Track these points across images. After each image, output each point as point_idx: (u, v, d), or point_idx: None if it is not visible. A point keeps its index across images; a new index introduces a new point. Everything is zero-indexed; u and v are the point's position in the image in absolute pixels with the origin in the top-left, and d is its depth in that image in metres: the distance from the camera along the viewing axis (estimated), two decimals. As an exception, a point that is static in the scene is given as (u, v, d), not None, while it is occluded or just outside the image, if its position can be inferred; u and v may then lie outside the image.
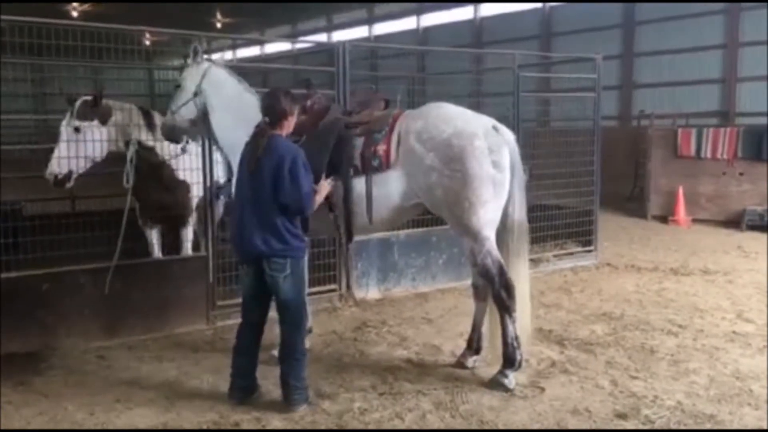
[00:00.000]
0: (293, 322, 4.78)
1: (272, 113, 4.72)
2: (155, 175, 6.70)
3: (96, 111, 6.39)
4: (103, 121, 6.44)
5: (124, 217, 6.34)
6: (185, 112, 5.75)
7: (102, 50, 6.75)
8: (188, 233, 7.17)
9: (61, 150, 6.29)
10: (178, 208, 7.00)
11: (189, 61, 5.84)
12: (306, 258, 4.99)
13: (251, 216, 4.62)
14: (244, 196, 4.69)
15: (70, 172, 6.34)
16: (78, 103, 6.35)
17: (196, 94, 5.70)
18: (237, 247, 4.82)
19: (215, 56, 34.65)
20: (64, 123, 6.36)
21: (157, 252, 7.12)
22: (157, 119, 6.60)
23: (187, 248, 7.17)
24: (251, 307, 4.88)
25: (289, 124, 4.79)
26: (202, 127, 5.96)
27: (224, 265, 6.96)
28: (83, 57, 6.79)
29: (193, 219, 7.18)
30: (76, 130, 6.31)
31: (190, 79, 5.75)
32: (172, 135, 6.00)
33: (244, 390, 4.91)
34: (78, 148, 6.30)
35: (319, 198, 4.86)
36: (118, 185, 6.58)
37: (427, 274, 8.14)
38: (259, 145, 4.62)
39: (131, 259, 6.48)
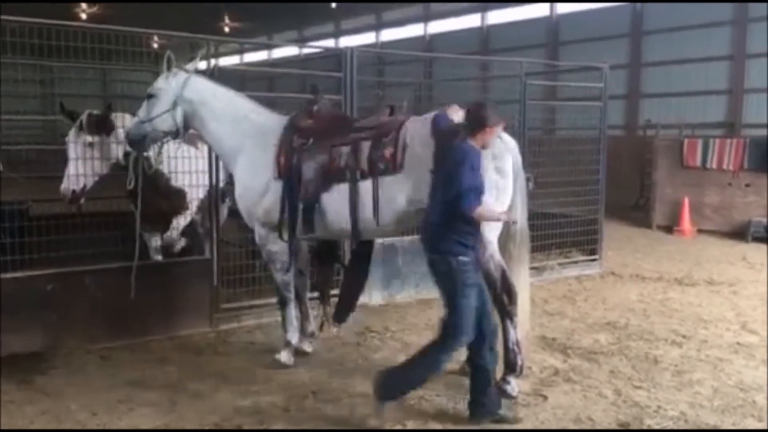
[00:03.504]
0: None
1: (473, 121, 4.61)
2: (151, 183, 6.59)
3: (103, 125, 6.41)
4: (108, 134, 6.47)
5: (137, 225, 6.40)
6: (160, 122, 5.63)
7: (110, 52, 6.78)
8: (179, 222, 7.08)
9: (76, 165, 6.30)
10: (173, 214, 6.96)
11: (164, 70, 5.68)
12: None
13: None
14: None
15: (84, 187, 6.37)
16: (84, 117, 6.35)
17: (175, 105, 5.62)
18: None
19: (222, 60, 34.79)
20: (71, 138, 6.36)
21: (158, 256, 7.10)
22: None
23: (172, 234, 7.06)
24: None
25: (483, 138, 4.61)
26: (182, 137, 5.94)
27: (229, 268, 6.98)
28: (92, 59, 6.82)
29: (191, 211, 7.15)
30: (90, 145, 6.34)
31: (167, 89, 5.63)
32: (141, 145, 5.86)
33: None
34: (91, 161, 6.33)
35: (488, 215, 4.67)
36: (122, 188, 6.60)
37: (431, 280, 8.10)
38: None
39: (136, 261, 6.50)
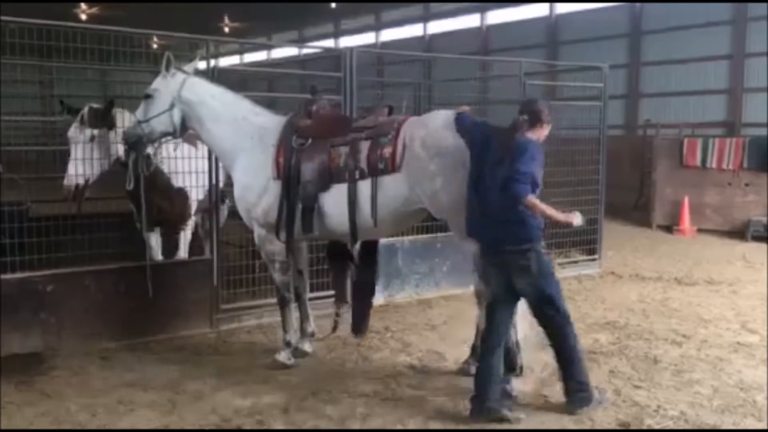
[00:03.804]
0: None
1: (532, 116, 4.71)
2: (150, 181, 6.54)
3: (106, 119, 6.41)
4: (110, 128, 6.47)
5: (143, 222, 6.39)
6: (157, 123, 5.66)
7: (110, 53, 6.78)
8: (184, 238, 7.15)
9: (78, 159, 6.27)
10: (173, 215, 6.96)
11: (162, 71, 5.69)
12: None
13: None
14: None
15: (87, 181, 6.34)
16: (86, 111, 6.35)
17: (172, 106, 5.64)
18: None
19: (222, 61, 34.78)
20: (72, 132, 6.34)
21: (157, 255, 7.11)
22: None
23: (182, 250, 7.13)
24: None
25: (540, 133, 4.77)
26: (178, 138, 5.98)
27: (229, 268, 6.98)
28: (91, 60, 6.82)
29: (190, 224, 7.17)
30: (92, 138, 6.32)
31: (165, 90, 5.64)
32: (138, 146, 5.87)
33: None
34: (93, 155, 6.32)
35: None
36: (121, 189, 6.60)
37: (431, 280, 8.14)
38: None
39: (136, 262, 6.50)
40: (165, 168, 6.70)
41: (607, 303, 7.95)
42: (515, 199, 4.45)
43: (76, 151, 6.30)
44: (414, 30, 28.94)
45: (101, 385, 5.32)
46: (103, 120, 6.39)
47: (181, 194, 6.88)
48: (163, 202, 6.78)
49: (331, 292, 7.23)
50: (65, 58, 6.45)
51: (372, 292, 5.78)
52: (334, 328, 5.96)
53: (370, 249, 5.72)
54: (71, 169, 6.28)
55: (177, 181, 6.82)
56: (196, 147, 6.83)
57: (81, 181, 6.30)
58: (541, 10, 23.64)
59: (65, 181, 6.30)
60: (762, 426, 4.71)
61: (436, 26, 27.99)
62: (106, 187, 7.44)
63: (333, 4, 27.41)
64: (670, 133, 15.51)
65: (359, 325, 5.75)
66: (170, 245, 7.22)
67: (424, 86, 10.73)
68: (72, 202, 6.56)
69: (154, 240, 7.09)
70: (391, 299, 7.79)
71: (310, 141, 5.39)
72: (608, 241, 10.31)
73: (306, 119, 5.56)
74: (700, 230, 13.00)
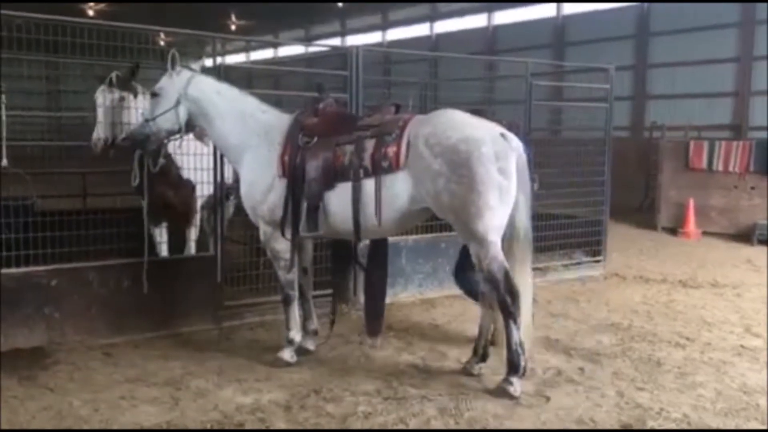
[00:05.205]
0: None
1: None
2: (161, 172, 6.63)
3: (131, 85, 6.58)
4: (135, 96, 6.62)
5: (145, 217, 6.46)
6: (162, 121, 5.67)
7: (117, 49, 6.82)
8: (192, 233, 7.20)
9: (106, 117, 6.47)
10: (182, 207, 7.03)
11: (168, 69, 5.73)
12: None
13: None
14: None
15: (114, 139, 6.50)
16: (114, 76, 6.51)
17: (178, 103, 5.65)
18: None
19: (229, 58, 34.78)
20: (100, 93, 6.51)
21: (163, 250, 7.14)
22: None
23: (191, 248, 7.20)
24: None
25: None
26: (182, 135, 5.97)
27: (233, 265, 6.99)
28: (98, 56, 6.86)
29: (197, 219, 7.21)
30: (122, 99, 6.50)
31: (170, 88, 5.66)
32: (146, 144, 5.85)
33: None
34: (121, 116, 6.50)
35: None
36: (127, 183, 6.62)
37: (435, 280, 8.13)
38: None
39: (140, 258, 6.51)
40: (179, 163, 6.79)
41: (611, 305, 7.93)
42: None
43: (104, 111, 6.49)
44: (421, 29, 29.00)
45: (104, 380, 5.33)
46: (128, 83, 6.58)
47: (188, 185, 6.93)
48: (168, 191, 6.83)
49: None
50: (72, 53, 6.48)
51: (383, 292, 5.79)
52: (332, 324, 6.02)
53: (379, 248, 5.74)
54: (99, 126, 6.47)
55: (184, 174, 6.89)
56: (204, 143, 6.85)
57: (109, 135, 6.47)
58: (548, 10, 23.65)
59: (94, 136, 6.49)
60: (764, 428, 4.69)
61: (443, 26, 28.04)
62: (113, 184, 7.46)
63: (340, 3, 27.44)
64: (676, 136, 15.48)
65: (374, 327, 5.85)
66: (178, 241, 7.25)
67: (430, 85, 10.72)
68: (101, 154, 6.68)
69: (160, 235, 7.12)
70: (395, 298, 7.76)
71: (315, 139, 5.39)
72: (613, 243, 10.29)
73: (312, 117, 5.56)
74: (705, 233, 12.97)
